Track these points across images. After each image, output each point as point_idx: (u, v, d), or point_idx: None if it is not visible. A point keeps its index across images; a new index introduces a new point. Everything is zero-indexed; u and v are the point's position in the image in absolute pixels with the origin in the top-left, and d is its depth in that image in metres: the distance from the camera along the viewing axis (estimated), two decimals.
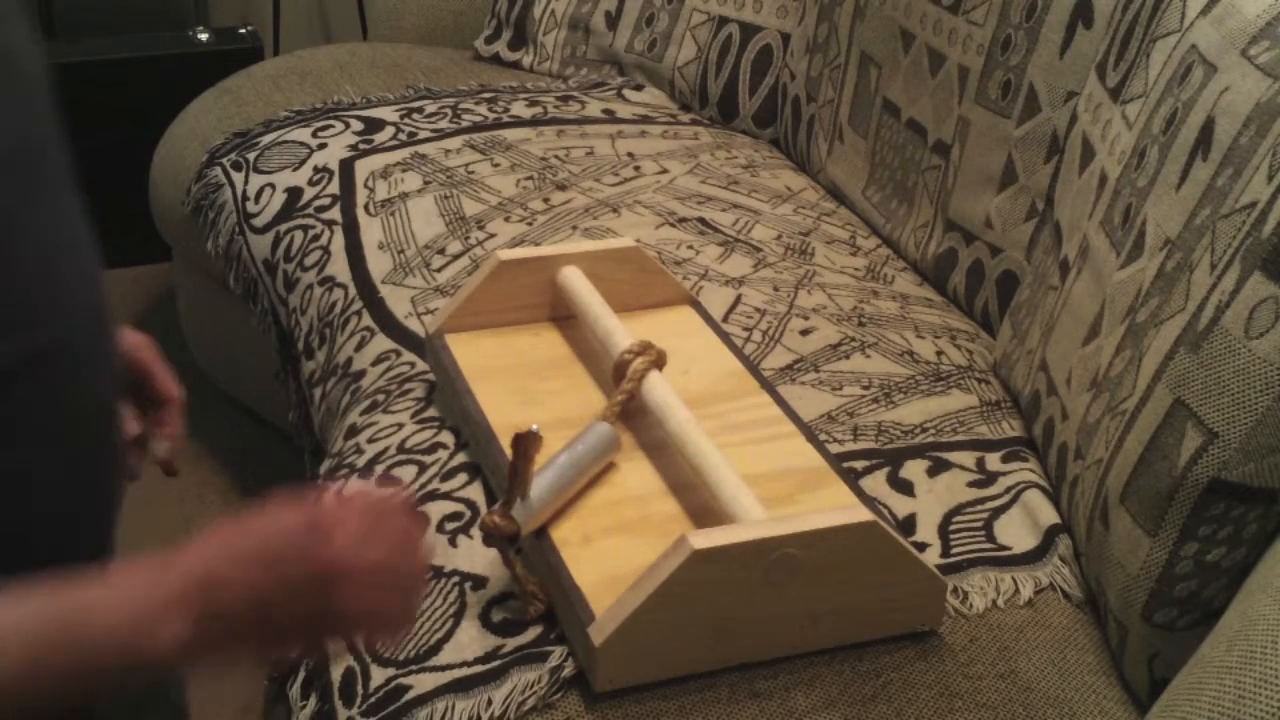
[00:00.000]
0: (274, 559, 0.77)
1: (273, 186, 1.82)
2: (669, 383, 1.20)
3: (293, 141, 1.91)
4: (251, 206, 1.82)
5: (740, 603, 1.02)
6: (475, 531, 1.16)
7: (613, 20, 2.22)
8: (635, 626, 0.99)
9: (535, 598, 1.07)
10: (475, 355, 1.30)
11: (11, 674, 0.73)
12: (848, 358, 1.42)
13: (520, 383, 1.28)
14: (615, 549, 1.09)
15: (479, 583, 1.11)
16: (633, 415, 1.22)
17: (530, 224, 1.66)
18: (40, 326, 0.77)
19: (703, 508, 1.13)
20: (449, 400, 1.30)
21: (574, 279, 1.32)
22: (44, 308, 0.78)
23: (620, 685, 1.02)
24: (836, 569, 1.03)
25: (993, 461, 1.29)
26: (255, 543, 0.77)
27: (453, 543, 1.15)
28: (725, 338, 1.36)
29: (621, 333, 1.24)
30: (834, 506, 1.12)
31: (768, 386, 1.30)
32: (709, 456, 1.11)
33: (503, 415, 1.22)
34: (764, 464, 1.18)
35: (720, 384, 1.30)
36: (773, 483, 1.16)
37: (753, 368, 1.33)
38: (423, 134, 1.91)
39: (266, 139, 1.93)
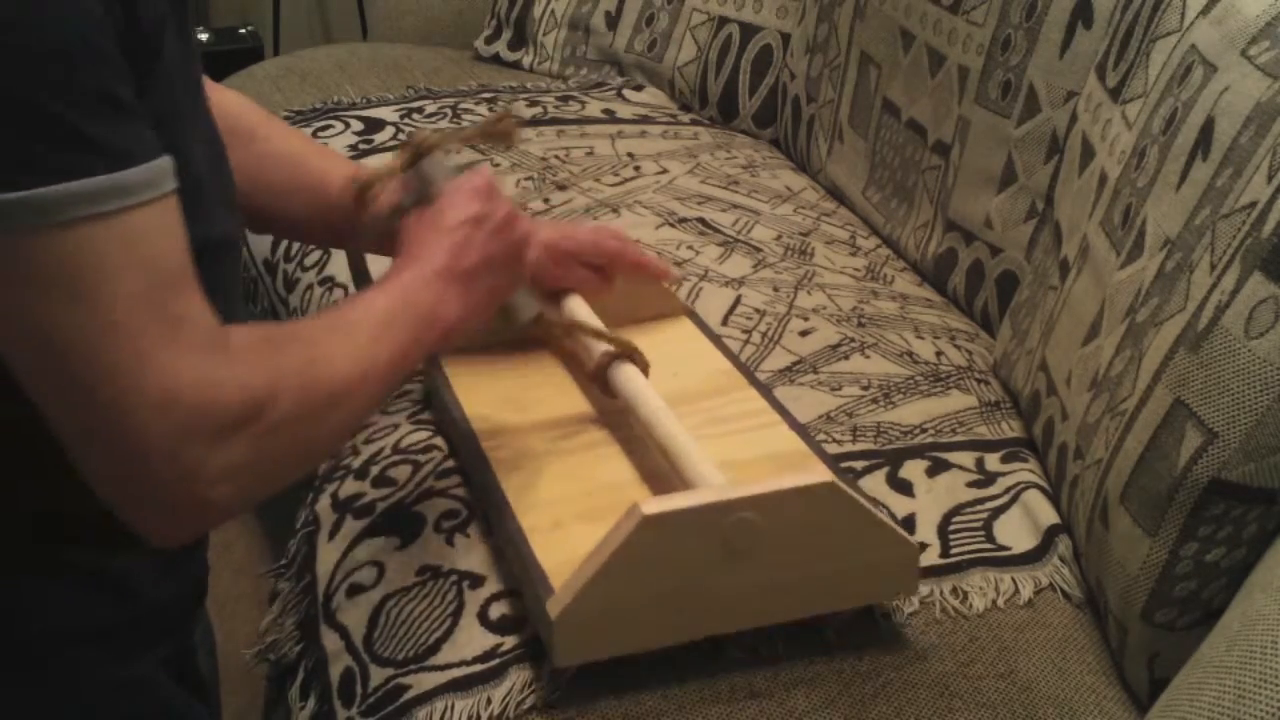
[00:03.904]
0: (470, 220, 1.05)
1: None
2: (643, 377, 1.18)
3: None
4: None
5: (701, 572, 0.99)
6: (472, 530, 1.16)
7: (613, 20, 2.22)
8: (590, 598, 0.97)
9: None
10: (463, 359, 1.29)
11: (379, 347, 0.93)
12: (847, 358, 1.42)
13: (506, 387, 1.27)
14: (584, 534, 1.06)
15: (477, 581, 1.11)
16: (614, 414, 1.21)
17: None
18: (216, 221, 0.94)
19: (672, 489, 1.12)
20: (439, 403, 1.30)
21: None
22: (216, 206, 0.94)
23: (581, 660, 1.01)
24: (798, 535, 1.00)
25: (992, 462, 1.29)
26: (452, 220, 1.05)
27: (450, 542, 1.15)
28: (718, 341, 1.35)
29: (606, 336, 1.22)
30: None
31: (756, 383, 1.29)
32: (676, 437, 1.09)
33: (487, 422, 1.21)
34: (746, 451, 1.17)
35: (709, 382, 1.29)
36: (753, 467, 1.14)
37: (744, 369, 1.32)
38: None
39: None
